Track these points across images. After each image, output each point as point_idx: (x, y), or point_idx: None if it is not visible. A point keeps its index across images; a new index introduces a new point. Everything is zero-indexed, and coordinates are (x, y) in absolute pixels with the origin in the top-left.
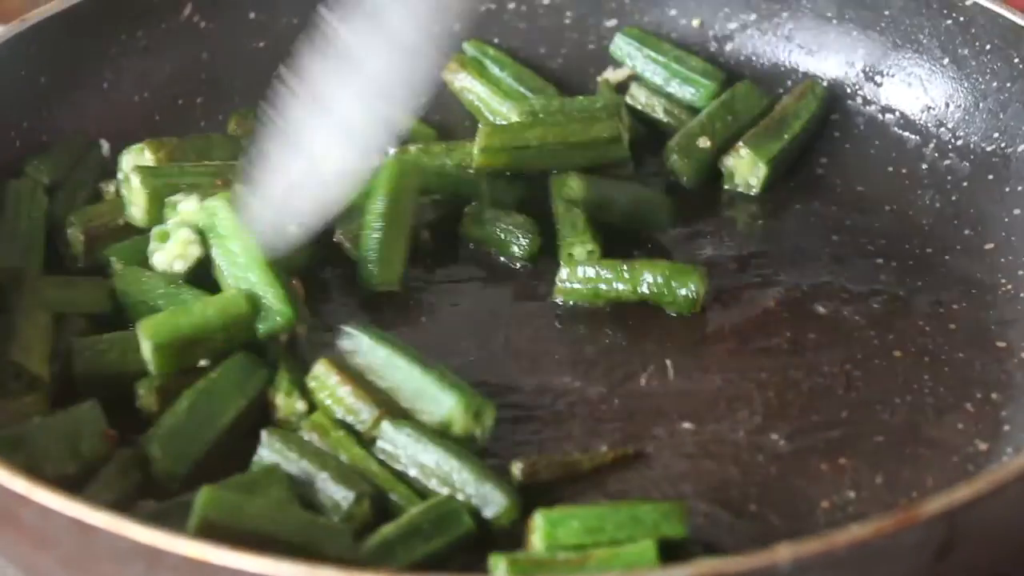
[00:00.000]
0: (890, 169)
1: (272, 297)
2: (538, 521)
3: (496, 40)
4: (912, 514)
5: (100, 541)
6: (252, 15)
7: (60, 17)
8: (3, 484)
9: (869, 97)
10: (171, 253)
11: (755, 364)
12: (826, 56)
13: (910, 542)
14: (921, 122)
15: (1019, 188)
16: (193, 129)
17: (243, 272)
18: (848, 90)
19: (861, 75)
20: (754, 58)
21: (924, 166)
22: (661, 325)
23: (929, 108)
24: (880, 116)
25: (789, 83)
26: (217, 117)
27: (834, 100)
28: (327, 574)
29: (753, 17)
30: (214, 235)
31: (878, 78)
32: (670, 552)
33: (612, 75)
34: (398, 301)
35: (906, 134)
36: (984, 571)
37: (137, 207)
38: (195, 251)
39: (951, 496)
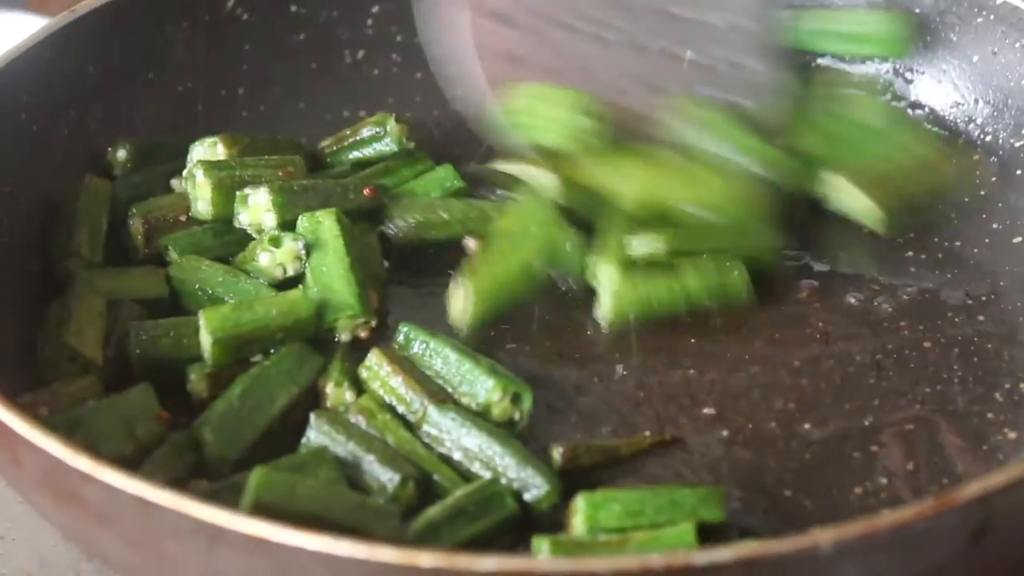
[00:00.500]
0: None
1: (347, 293)
2: (580, 504)
3: None
4: (951, 498)
5: (162, 518)
6: (293, 8)
7: (106, 8)
8: (68, 463)
9: (900, 92)
10: (278, 258)
11: (788, 354)
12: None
13: (948, 526)
14: (951, 118)
15: None
16: (235, 119)
17: (327, 271)
18: (879, 86)
19: (891, 71)
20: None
21: (953, 161)
22: (696, 315)
23: (959, 104)
24: (910, 111)
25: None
26: (259, 108)
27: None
28: (384, 553)
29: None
30: (316, 243)
31: (908, 75)
32: (708, 536)
33: None
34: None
35: (936, 129)
36: (1015, 556)
37: (203, 200)
38: (300, 263)
39: (987, 482)
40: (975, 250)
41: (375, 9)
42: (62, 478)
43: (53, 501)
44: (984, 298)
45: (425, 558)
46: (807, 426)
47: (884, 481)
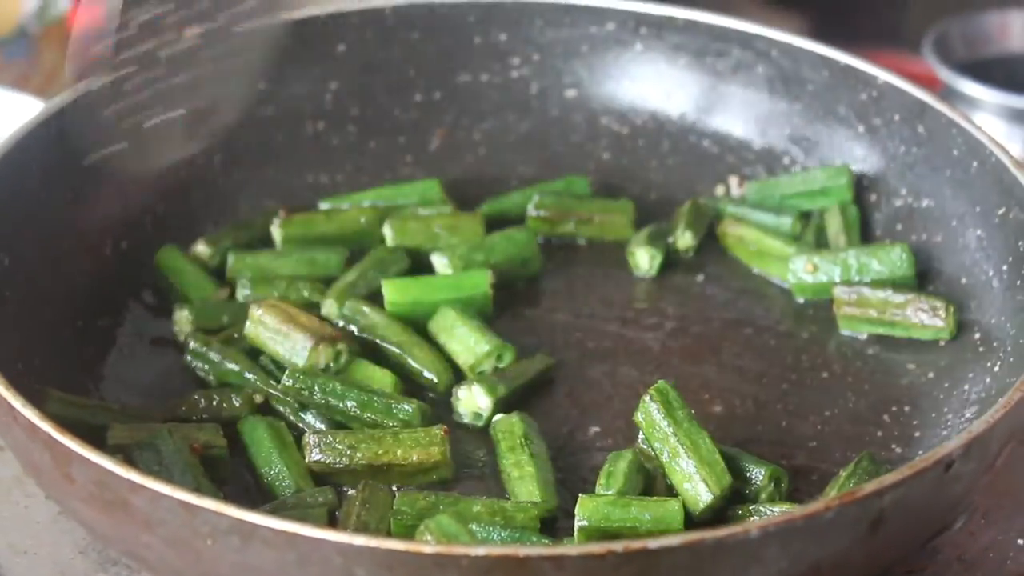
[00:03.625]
0: None
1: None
2: None
3: None
4: (852, 494)
5: (203, 519)
6: (261, 85)
7: (102, 89)
8: (120, 474)
9: (796, 158)
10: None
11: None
12: (761, 127)
13: (851, 517)
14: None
15: (923, 237)
16: (210, 185)
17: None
18: (777, 152)
19: (788, 140)
20: None
21: None
22: None
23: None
24: None
25: (731, 158)
26: (232, 175)
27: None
28: (392, 543)
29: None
30: None
31: (804, 143)
32: None
33: None
34: None
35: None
36: (904, 544)
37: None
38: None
39: (882, 480)
40: None
41: (333, 86)
42: (112, 489)
43: (101, 511)
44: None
45: (427, 547)
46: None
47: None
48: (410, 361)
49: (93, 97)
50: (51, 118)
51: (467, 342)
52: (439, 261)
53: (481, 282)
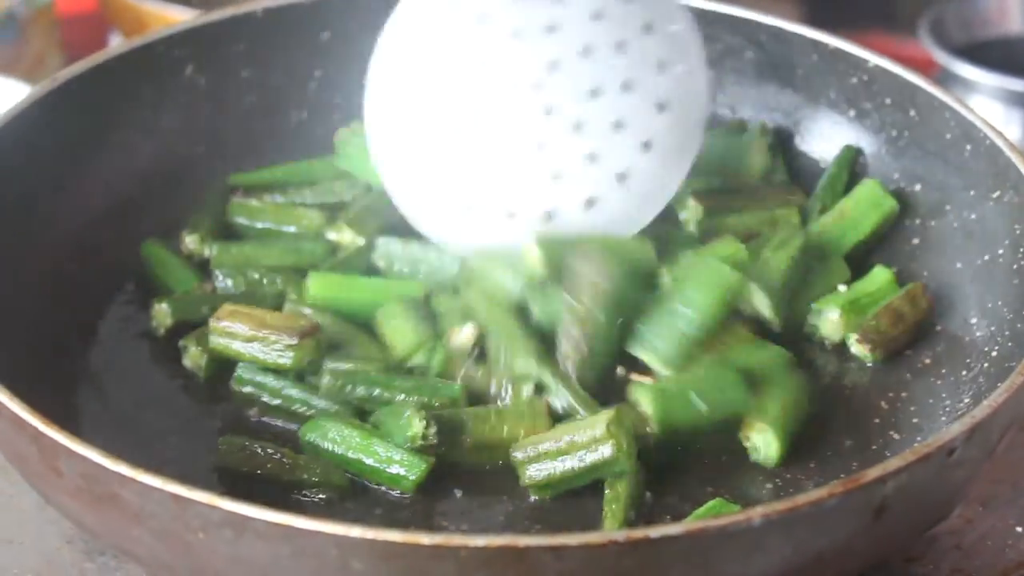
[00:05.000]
0: None
1: None
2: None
3: None
4: (856, 480)
5: (193, 512)
6: (244, 73)
7: (80, 77)
8: (108, 467)
9: (786, 143)
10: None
11: None
12: (748, 110)
13: (854, 504)
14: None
15: (916, 221)
16: (195, 173)
17: None
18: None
19: (779, 125)
20: None
21: None
22: None
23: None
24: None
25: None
26: (216, 165)
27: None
28: (389, 534)
29: None
30: None
31: (794, 128)
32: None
33: None
34: None
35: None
36: (909, 530)
37: None
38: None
39: (885, 466)
40: None
41: (317, 74)
42: (100, 482)
43: (90, 505)
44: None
45: (425, 538)
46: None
47: (789, 476)
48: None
49: (76, 84)
50: (34, 105)
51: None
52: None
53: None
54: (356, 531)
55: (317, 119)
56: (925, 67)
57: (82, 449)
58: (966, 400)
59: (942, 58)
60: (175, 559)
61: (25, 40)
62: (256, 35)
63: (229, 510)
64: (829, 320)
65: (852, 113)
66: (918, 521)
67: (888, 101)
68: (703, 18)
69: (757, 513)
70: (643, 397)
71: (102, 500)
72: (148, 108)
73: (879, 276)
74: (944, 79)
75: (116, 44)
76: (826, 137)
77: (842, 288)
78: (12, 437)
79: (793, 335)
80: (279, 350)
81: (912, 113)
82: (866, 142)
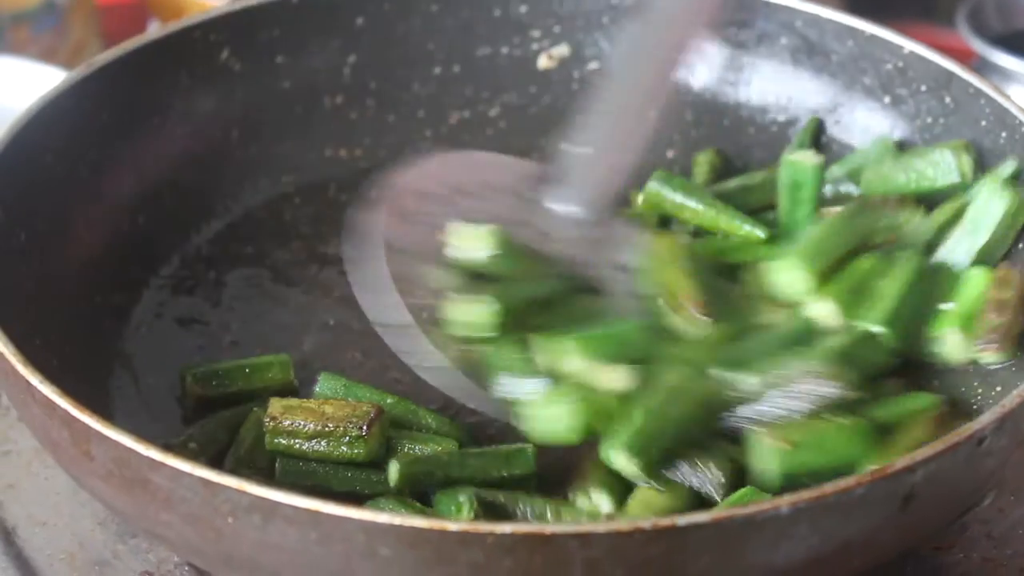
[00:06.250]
0: None
1: None
2: None
3: None
4: (884, 470)
5: (223, 497)
6: (278, 59)
7: (116, 62)
8: (140, 451)
9: (820, 130)
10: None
11: None
12: (785, 98)
13: (882, 493)
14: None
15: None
16: (228, 158)
17: None
18: (800, 124)
19: (812, 112)
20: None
21: None
22: None
23: (872, 140)
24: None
25: (752, 130)
26: (250, 149)
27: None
28: (416, 520)
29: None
30: None
31: (829, 115)
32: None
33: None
34: None
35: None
36: (937, 520)
37: None
38: None
39: (914, 455)
40: None
41: (351, 59)
42: (132, 466)
43: (121, 489)
44: None
45: (452, 525)
46: None
47: None
48: None
49: (112, 69)
50: (70, 90)
51: None
52: None
53: None
54: (384, 517)
55: (352, 104)
56: (963, 57)
57: (113, 433)
58: (998, 388)
59: (980, 47)
60: (205, 544)
61: (65, 28)
62: (291, 20)
63: (258, 495)
64: (952, 342)
65: (887, 100)
66: (947, 510)
67: (923, 88)
68: (738, 4)
69: (785, 501)
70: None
71: (133, 484)
72: (184, 93)
73: (978, 278)
74: (982, 68)
75: (152, 29)
76: (861, 124)
77: (948, 306)
78: (44, 421)
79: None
80: (348, 444)
81: (947, 100)
82: (901, 129)
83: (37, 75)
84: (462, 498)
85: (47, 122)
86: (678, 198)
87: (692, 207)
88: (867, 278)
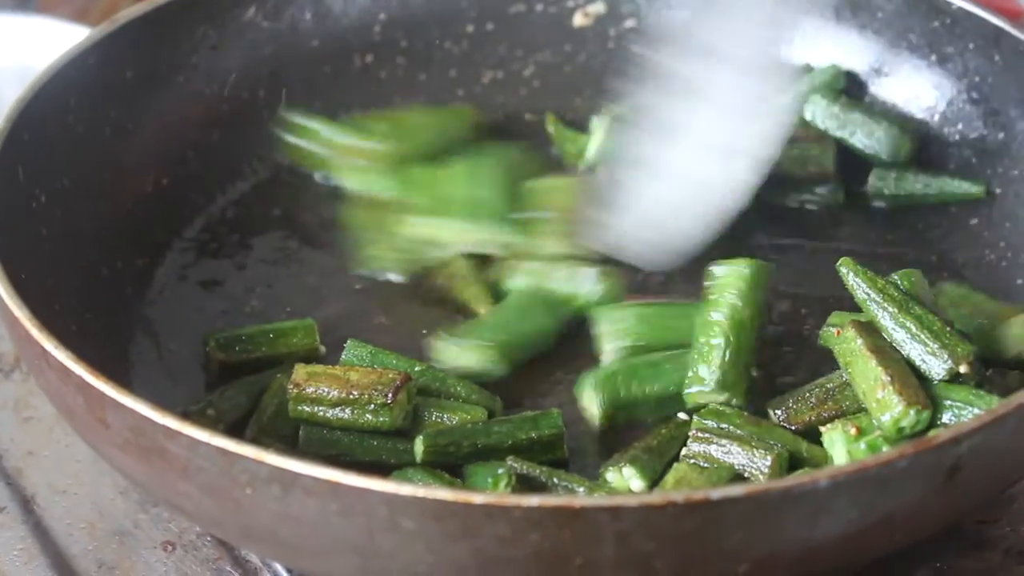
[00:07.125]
0: None
1: None
2: None
3: None
4: (928, 441)
5: (242, 468)
6: (307, 15)
7: (141, 19)
8: (156, 420)
9: (865, 88)
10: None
11: None
12: (827, 55)
13: (926, 464)
14: (910, 113)
15: (999, 170)
16: (256, 117)
17: None
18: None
19: (856, 70)
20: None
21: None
22: None
23: (917, 99)
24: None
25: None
26: (276, 107)
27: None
28: (441, 492)
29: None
30: None
31: (873, 73)
32: None
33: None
34: None
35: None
36: (982, 492)
37: None
38: None
39: (959, 427)
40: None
41: (382, 17)
42: (148, 435)
43: (138, 458)
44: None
45: (477, 497)
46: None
47: None
48: None
49: (136, 26)
50: (92, 48)
51: None
52: None
53: None
54: (407, 489)
55: (382, 62)
56: (1013, 15)
57: (129, 401)
58: None
59: None
60: (224, 515)
61: None
62: None
63: (277, 465)
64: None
65: (934, 58)
66: (993, 482)
67: (971, 46)
68: None
69: (824, 475)
70: None
71: (150, 453)
72: (209, 51)
73: None
74: None
75: None
76: (906, 83)
77: None
78: (60, 387)
79: None
80: (373, 412)
81: (996, 58)
82: (947, 88)
83: (69, 35)
84: (500, 471)
85: (69, 81)
86: None
87: None
88: None
